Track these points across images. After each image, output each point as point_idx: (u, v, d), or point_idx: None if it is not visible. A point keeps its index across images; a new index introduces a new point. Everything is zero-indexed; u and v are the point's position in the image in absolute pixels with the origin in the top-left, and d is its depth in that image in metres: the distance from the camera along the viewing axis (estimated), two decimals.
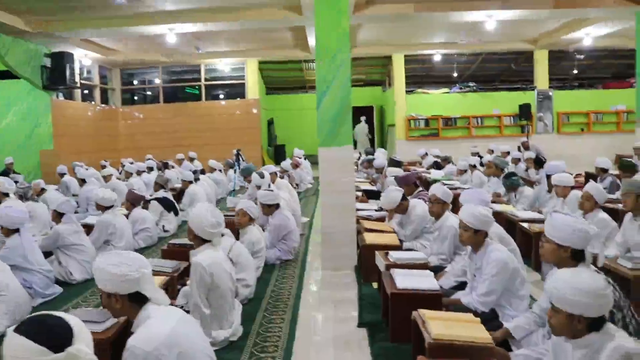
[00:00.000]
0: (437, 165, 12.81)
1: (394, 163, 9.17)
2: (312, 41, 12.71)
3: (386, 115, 20.05)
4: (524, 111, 16.72)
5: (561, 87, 19.08)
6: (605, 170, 8.78)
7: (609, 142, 16.55)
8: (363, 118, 19.61)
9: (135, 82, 19.91)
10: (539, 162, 11.21)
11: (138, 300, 2.71)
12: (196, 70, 18.07)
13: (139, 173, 12.03)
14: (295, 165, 13.63)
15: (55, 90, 14.11)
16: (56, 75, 13.54)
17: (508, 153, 12.57)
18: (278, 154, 18.80)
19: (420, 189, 6.84)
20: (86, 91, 17.05)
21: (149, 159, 15.46)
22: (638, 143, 10.91)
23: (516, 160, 11.99)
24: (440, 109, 17.40)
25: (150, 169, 13.25)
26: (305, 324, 4.52)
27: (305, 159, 14.64)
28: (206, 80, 18.14)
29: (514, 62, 18.72)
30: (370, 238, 5.54)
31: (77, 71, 14.38)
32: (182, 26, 12.02)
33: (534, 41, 16.56)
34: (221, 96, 19.03)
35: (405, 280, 4.01)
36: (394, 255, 4.75)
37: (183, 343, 2.64)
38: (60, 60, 13.52)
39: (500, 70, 19.43)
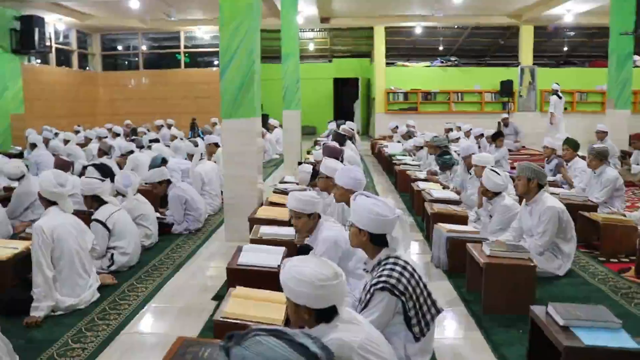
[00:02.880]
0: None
1: (337, 136, 9.00)
2: None
3: (372, 87, 19.79)
4: (505, 88, 16.39)
5: (552, 64, 18.63)
6: (554, 151, 8.59)
7: (592, 122, 16.15)
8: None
9: (119, 47, 19.79)
10: (495, 139, 10.99)
11: None
12: (176, 37, 17.90)
13: (100, 139, 11.99)
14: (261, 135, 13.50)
15: (26, 54, 14.04)
16: (25, 39, 13.47)
17: (470, 130, 12.34)
18: (266, 123, 18.63)
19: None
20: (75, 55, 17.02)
21: (127, 124, 15.49)
22: (600, 126, 10.62)
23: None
24: (420, 83, 17.13)
25: (117, 134, 13.24)
26: (167, 293, 4.50)
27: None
28: (185, 47, 17.98)
29: (501, 37, 18.28)
30: (261, 211, 5.48)
31: (48, 35, 14.29)
32: None
33: (518, 16, 16.14)
34: (201, 64, 18.85)
35: (248, 256, 3.96)
36: (262, 229, 4.69)
37: None
38: (30, 24, 13.43)
39: (488, 45, 18.98)
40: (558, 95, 14.11)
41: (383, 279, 2.78)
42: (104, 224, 4.93)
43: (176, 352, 2.50)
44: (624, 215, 5.66)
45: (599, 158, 6.56)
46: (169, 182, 6.49)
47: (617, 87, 11.74)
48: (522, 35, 16.93)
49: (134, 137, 11.32)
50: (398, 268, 2.83)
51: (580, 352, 2.55)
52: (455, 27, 17.55)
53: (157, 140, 11.52)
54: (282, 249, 4.13)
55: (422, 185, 7.03)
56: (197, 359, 2.42)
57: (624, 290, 4.34)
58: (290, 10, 11.63)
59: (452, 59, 17.70)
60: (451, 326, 3.79)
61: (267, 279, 3.70)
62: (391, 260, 2.89)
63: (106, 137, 12.24)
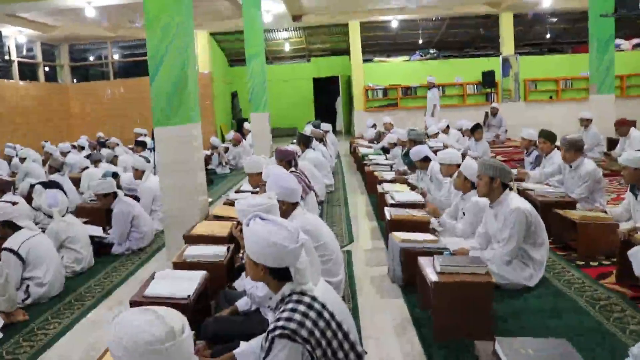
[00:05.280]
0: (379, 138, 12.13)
1: (302, 138, 8.43)
2: None
3: (353, 85, 19.22)
4: (487, 78, 15.85)
5: (535, 53, 18.11)
6: (533, 143, 8.03)
7: (578, 110, 15.60)
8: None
9: (91, 58, 19.19)
10: (474, 132, 10.46)
11: None
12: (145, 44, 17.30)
13: (63, 154, 11.41)
14: (237, 142, 12.94)
15: None
16: None
17: (448, 127, 11.79)
18: (242, 127, 18.11)
19: (293, 169, 6.15)
20: (47, 69, 16.46)
21: (99, 137, 14.92)
22: (584, 113, 10.08)
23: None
24: (399, 78, 16.54)
25: (82, 147, 12.66)
26: (80, 330, 3.94)
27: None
28: None
29: (482, 27, 17.72)
30: (199, 227, 4.91)
31: (7, 49, 13.69)
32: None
33: (497, 4, 15.58)
34: None
35: (159, 285, 3.42)
36: (188, 250, 4.13)
37: None
38: None
39: (468, 36, 18.42)
40: (437, 88, 14.80)
41: (281, 323, 2.22)
42: (16, 253, 4.36)
43: None
44: (605, 212, 5.09)
45: (574, 149, 5.94)
46: (115, 195, 5.94)
47: (599, 71, 11.19)
48: (502, 24, 16.37)
49: (90, 153, 10.73)
50: (301, 308, 2.27)
51: None
52: (434, 18, 17.00)
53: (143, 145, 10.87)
54: (201, 273, 3.56)
55: (387, 187, 6.46)
56: None
57: (602, 301, 3.78)
58: (252, 9, 11.09)
59: (432, 51, 17.12)
60: (393, 356, 3.23)
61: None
62: (294, 297, 2.32)
63: (69, 151, 11.69)
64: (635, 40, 16.38)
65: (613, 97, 11.26)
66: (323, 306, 2.31)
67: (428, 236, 4.51)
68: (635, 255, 2.09)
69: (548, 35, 18.37)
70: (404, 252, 4.13)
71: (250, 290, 3.21)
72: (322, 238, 3.90)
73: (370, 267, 4.85)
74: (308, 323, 2.22)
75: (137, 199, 6.85)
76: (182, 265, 3.91)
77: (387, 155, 9.95)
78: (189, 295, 3.23)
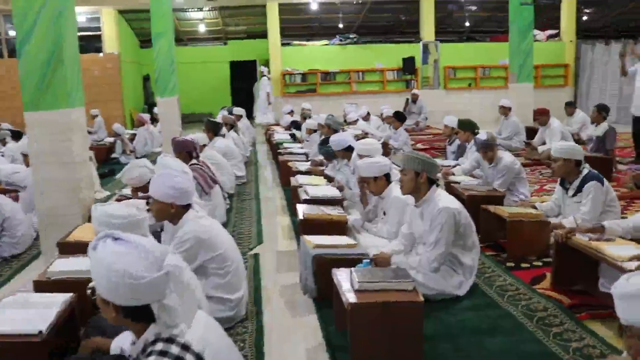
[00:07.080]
0: (295, 125, 11.51)
1: (210, 125, 7.67)
2: None
3: (271, 69, 18.46)
4: (408, 65, 15.58)
5: (455, 40, 18.04)
6: (455, 131, 7.68)
7: (496, 98, 15.63)
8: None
9: None
10: (401, 119, 10.10)
11: None
12: None
13: None
14: (140, 123, 11.94)
15: None
16: None
17: (369, 114, 11.37)
18: (152, 112, 17.03)
19: (194, 161, 5.43)
20: None
21: None
22: (504, 101, 9.90)
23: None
24: (318, 63, 15.96)
25: None
26: None
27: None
28: None
29: (403, 13, 17.44)
30: (79, 231, 4.11)
31: None
32: None
33: None
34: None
35: (2, 315, 2.64)
36: (56, 264, 3.35)
37: None
38: None
39: (390, 21, 18.08)
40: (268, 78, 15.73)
41: None
42: None
43: None
44: (535, 207, 4.73)
45: (492, 147, 5.59)
46: None
47: (518, 59, 11.13)
48: (423, 10, 16.12)
49: None
50: None
51: None
52: (354, 2, 16.51)
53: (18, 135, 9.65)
54: (64, 298, 2.81)
55: (301, 179, 5.84)
56: None
57: (539, 313, 3.35)
58: None
59: (352, 36, 16.66)
60: None
61: (20, 356, 2.42)
62: (159, 347, 1.70)
63: None
64: (549, 32, 16.60)
65: (532, 86, 11.21)
66: (198, 357, 1.70)
67: (346, 239, 3.96)
68: (624, 295, 1.60)
69: (467, 23, 18.33)
70: (317, 260, 3.53)
71: (120, 350, 2.48)
72: (220, 247, 3.26)
73: (280, 275, 4.23)
74: None
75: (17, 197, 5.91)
76: (44, 285, 3.12)
77: (303, 139, 9.34)
78: (40, 331, 2.48)
